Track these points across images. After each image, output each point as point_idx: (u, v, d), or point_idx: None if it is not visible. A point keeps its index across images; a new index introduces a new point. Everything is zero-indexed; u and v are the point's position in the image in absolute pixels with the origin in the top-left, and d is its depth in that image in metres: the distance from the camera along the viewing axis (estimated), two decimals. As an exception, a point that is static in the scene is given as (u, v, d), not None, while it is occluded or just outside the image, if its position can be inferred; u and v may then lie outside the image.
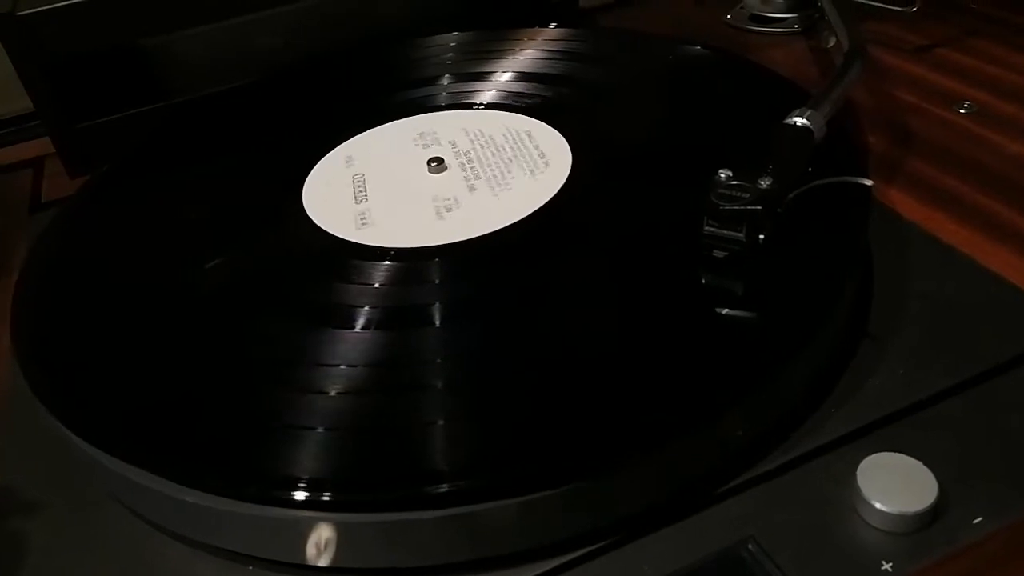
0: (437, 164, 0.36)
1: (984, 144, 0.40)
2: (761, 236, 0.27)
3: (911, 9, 0.49)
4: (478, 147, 0.38)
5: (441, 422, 0.25)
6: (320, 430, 0.25)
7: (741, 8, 0.55)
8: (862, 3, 0.49)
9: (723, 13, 0.55)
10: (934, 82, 0.45)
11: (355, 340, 0.28)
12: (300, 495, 0.23)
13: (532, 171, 0.35)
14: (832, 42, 0.49)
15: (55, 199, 0.45)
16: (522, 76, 0.43)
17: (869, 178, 0.28)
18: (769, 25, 0.53)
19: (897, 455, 0.24)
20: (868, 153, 0.40)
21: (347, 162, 0.38)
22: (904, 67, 0.47)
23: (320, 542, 0.23)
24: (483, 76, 0.43)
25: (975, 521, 0.23)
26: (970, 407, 0.26)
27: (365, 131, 0.40)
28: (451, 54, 0.46)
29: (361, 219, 0.34)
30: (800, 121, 0.31)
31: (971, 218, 0.35)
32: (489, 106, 0.41)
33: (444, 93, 0.43)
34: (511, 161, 0.36)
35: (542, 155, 0.36)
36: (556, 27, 0.47)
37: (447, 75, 0.44)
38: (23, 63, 0.43)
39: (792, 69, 0.47)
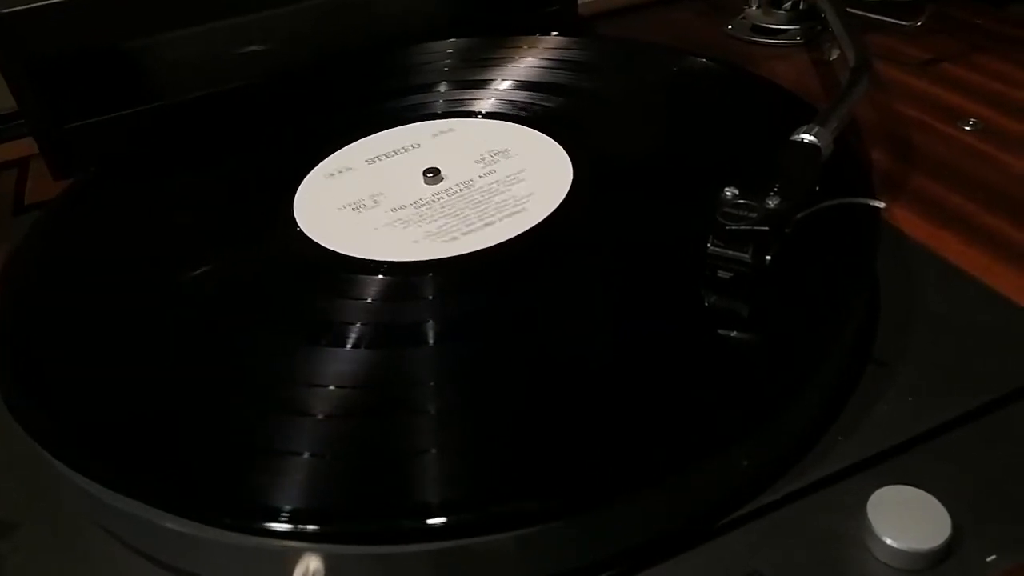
0: (434, 175, 0.35)
1: (990, 162, 0.39)
2: (768, 257, 0.27)
3: (915, 23, 0.48)
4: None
5: (434, 451, 0.24)
6: (306, 455, 0.24)
7: (742, 19, 0.54)
8: (866, 16, 0.49)
9: (724, 23, 0.54)
10: (938, 97, 0.44)
11: (343, 359, 0.27)
12: (281, 526, 0.22)
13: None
14: (835, 54, 0.49)
15: (39, 201, 0.44)
16: (522, 85, 0.42)
17: (878, 199, 0.27)
18: (771, 36, 0.52)
19: (909, 488, 0.23)
20: (872, 169, 0.39)
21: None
22: (908, 82, 0.46)
23: (306, 574, 0.22)
24: (482, 84, 0.43)
25: (989, 559, 0.22)
26: (982, 436, 0.25)
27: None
28: (449, 61, 0.45)
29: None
30: (808, 138, 0.30)
31: (978, 238, 0.34)
32: (488, 115, 0.40)
33: (441, 101, 0.42)
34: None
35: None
36: (557, 35, 0.46)
37: (444, 83, 0.43)
38: (8, 62, 0.42)
39: (794, 82, 0.46)
